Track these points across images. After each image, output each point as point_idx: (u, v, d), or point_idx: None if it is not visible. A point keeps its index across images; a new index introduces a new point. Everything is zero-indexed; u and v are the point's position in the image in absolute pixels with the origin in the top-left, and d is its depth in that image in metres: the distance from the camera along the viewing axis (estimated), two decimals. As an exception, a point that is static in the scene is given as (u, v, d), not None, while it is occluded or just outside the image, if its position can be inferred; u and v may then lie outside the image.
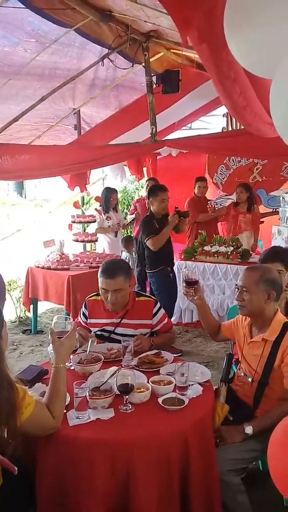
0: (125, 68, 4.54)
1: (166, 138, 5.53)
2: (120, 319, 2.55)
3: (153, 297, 2.72)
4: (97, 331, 2.63)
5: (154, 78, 4.51)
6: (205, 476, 1.79)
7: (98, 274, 2.52)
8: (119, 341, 2.41)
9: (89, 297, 2.70)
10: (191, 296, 2.43)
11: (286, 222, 4.45)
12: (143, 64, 4.47)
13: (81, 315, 2.70)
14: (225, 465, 1.93)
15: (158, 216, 4.36)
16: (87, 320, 2.64)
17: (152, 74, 4.53)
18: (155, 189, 4.44)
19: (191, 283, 2.42)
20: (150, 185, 5.76)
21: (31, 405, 1.61)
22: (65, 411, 1.81)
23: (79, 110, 5.50)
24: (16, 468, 1.55)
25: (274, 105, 0.92)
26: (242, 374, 2.28)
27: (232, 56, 1.00)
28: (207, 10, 1.15)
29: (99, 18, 3.70)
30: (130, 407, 1.87)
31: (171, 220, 4.27)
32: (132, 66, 4.56)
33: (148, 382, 2.03)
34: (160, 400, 1.90)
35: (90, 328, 2.64)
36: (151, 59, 4.56)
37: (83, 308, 2.70)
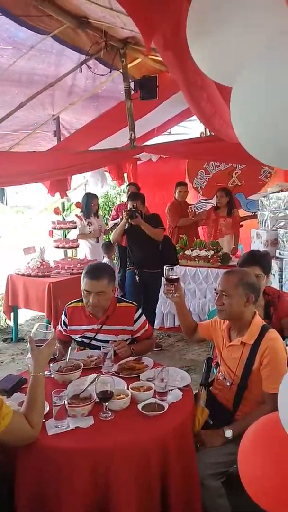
0: (103, 75, 4.54)
1: (145, 143, 5.55)
2: (101, 325, 2.55)
3: (134, 303, 2.72)
4: (77, 338, 2.61)
5: (132, 84, 4.53)
6: (185, 480, 1.80)
7: (82, 275, 2.52)
8: (100, 348, 2.40)
9: (69, 304, 2.69)
10: (171, 294, 2.44)
11: (265, 225, 4.50)
12: (121, 70, 4.49)
13: (61, 323, 2.68)
14: (206, 469, 1.94)
15: None
16: (67, 327, 2.63)
17: (130, 80, 4.55)
18: (128, 197, 4.81)
19: (172, 281, 2.43)
20: (130, 190, 5.80)
21: (8, 415, 1.58)
22: (43, 420, 1.80)
23: (58, 116, 5.49)
24: None
25: (234, 111, 0.94)
26: (222, 377, 2.30)
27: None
28: (172, 17, 1.17)
29: (75, 25, 3.70)
30: (110, 414, 1.86)
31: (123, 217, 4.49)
32: (110, 72, 4.57)
33: (128, 388, 2.03)
34: (140, 406, 1.90)
35: (71, 336, 2.63)
36: (128, 65, 4.58)
37: (63, 316, 2.68)
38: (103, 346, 2.33)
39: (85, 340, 2.59)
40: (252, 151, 0.94)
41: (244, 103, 0.90)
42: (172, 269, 2.42)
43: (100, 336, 2.55)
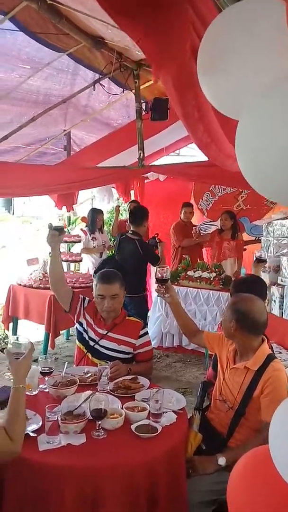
0: (116, 94, 4.64)
1: (153, 163, 5.61)
2: (107, 331, 2.58)
3: (141, 320, 2.76)
4: (82, 329, 2.62)
5: (143, 105, 4.61)
6: (174, 507, 1.77)
7: (95, 282, 2.63)
8: (100, 353, 2.44)
9: (92, 299, 2.70)
10: (162, 294, 2.48)
11: (268, 251, 4.51)
12: (133, 91, 4.58)
13: (82, 300, 2.68)
14: (196, 497, 1.91)
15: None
16: (84, 307, 2.65)
17: (142, 101, 4.63)
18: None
19: (162, 281, 2.47)
20: (131, 207, 5.89)
21: None
22: (35, 435, 1.78)
23: (69, 132, 5.58)
24: None
25: (239, 144, 0.96)
26: (221, 399, 2.25)
27: (197, 97, 1.05)
28: (177, 55, 1.22)
29: (91, 44, 3.79)
30: (103, 433, 1.85)
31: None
32: (123, 92, 4.66)
33: (122, 407, 2.02)
34: (133, 427, 1.89)
35: (80, 320, 2.64)
36: (141, 87, 4.67)
37: (86, 300, 2.69)
38: (100, 363, 2.32)
39: (90, 342, 2.58)
40: (252, 183, 0.96)
41: (247, 137, 0.92)
42: (162, 269, 2.45)
43: (103, 342, 2.57)
